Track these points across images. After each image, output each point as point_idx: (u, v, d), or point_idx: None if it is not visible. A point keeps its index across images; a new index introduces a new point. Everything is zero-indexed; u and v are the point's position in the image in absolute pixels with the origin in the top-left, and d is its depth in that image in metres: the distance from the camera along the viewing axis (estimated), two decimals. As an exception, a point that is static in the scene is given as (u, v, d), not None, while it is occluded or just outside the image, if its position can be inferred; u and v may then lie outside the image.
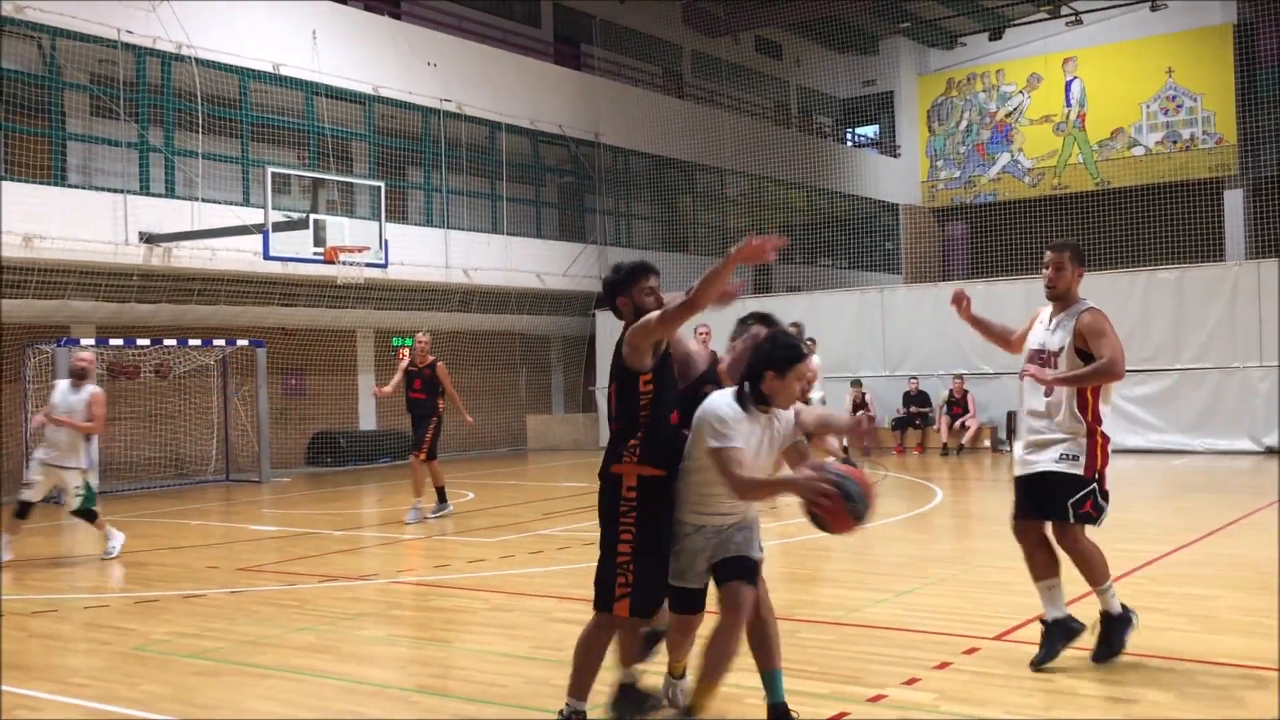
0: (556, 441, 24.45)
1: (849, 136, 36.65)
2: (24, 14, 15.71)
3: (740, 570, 4.59)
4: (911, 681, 5.52)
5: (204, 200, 17.53)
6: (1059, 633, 5.78)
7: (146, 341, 17.27)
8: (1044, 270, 6.00)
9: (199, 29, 17.66)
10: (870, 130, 36.62)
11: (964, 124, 33.89)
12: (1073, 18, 31.31)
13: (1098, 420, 5.77)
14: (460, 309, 22.39)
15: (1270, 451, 17.25)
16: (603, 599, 4.66)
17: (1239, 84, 28.67)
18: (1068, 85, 32.09)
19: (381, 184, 18.12)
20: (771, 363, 4.57)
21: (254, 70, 18.52)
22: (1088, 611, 6.27)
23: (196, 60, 17.56)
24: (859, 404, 20.46)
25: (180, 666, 6.27)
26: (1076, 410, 5.75)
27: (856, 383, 20.80)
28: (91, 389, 10.33)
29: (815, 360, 19.23)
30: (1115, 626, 5.77)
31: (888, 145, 35.42)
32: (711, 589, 4.75)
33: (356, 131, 20.48)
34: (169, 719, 5.31)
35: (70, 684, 6.00)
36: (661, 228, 27.68)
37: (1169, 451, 17.94)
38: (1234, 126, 29.04)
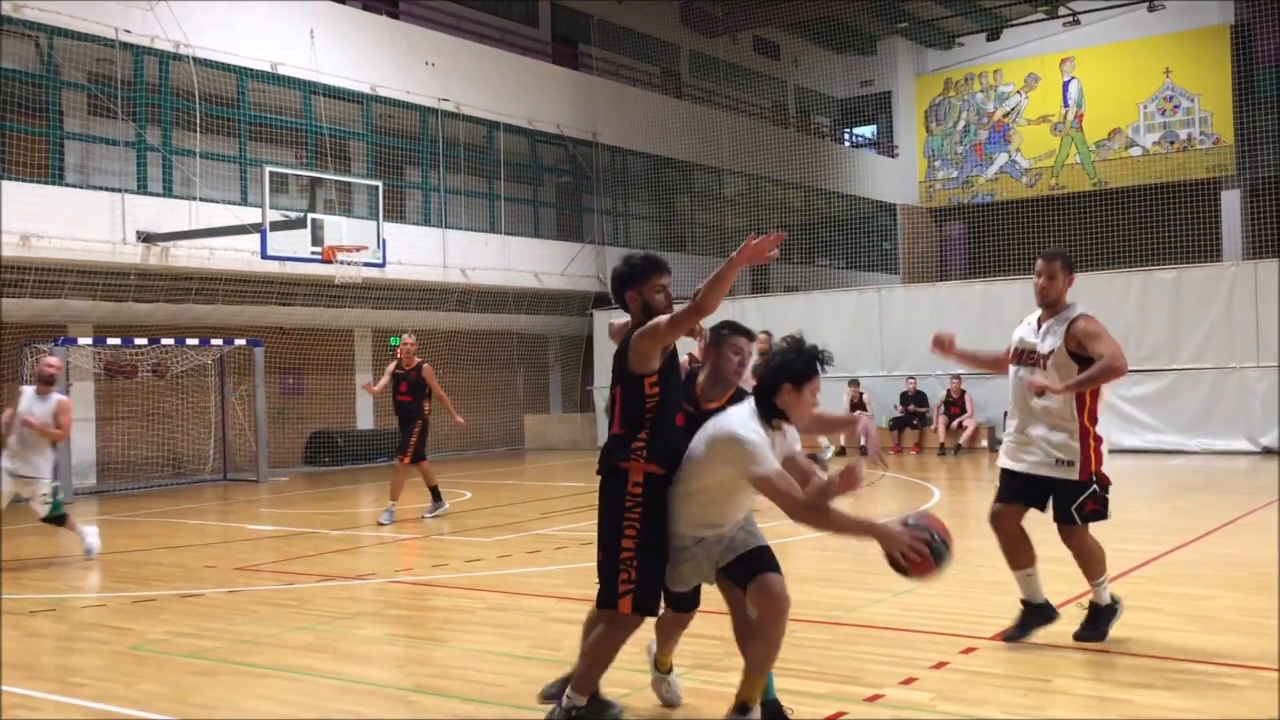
0: (554, 441, 24.45)
1: (847, 136, 36.66)
2: (21, 13, 15.70)
3: (760, 564, 4.56)
4: (909, 681, 5.53)
5: (202, 199, 17.52)
6: (1036, 615, 6.17)
7: (144, 341, 17.26)
8: (1036, 279, 6.17)
9: (196, 28, 17.66)
10: (868, 130, 36.64)
11: (961, 124, 33.90)
12: (1070, 18, 31.34)
13: (1093, 420, 5.96)
14: (458, 308, 22.39)
15: (1267, 451, 17.27)
16: (606, 595, 4.64)
17: (1236, 84, 28.70)
18: (1065, 85, 32.11)
19: (379, 183, 18.11)
20: (790, 374, 4.45)
21: (252, 69, 18.51)
22: (1084, 610, 6.33)
23: (194, 59, 17.55)
24: (856, 404, 20.49)
25: (178, 666, 6.27)
26: (1074, 411, 5.92)
27: (854, 382, 20.82)
28: (59, 397, 10.21)
29: None
30: (1103, 614, 6.15)
31: (885, 145, 35.43)
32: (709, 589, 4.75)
33: (354, 131, 20.48)
34: (166, 718, 5.31)
35: (68, 683, 6.00)
36: (659, 227, 27.68)
37: (1166, 452, 17.95)
38: (1231, 127, 29.07)
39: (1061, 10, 31.29)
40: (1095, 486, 5.96)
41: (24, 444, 10.01)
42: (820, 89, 34.86)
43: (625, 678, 5.33)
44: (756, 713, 4.62)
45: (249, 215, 17.12)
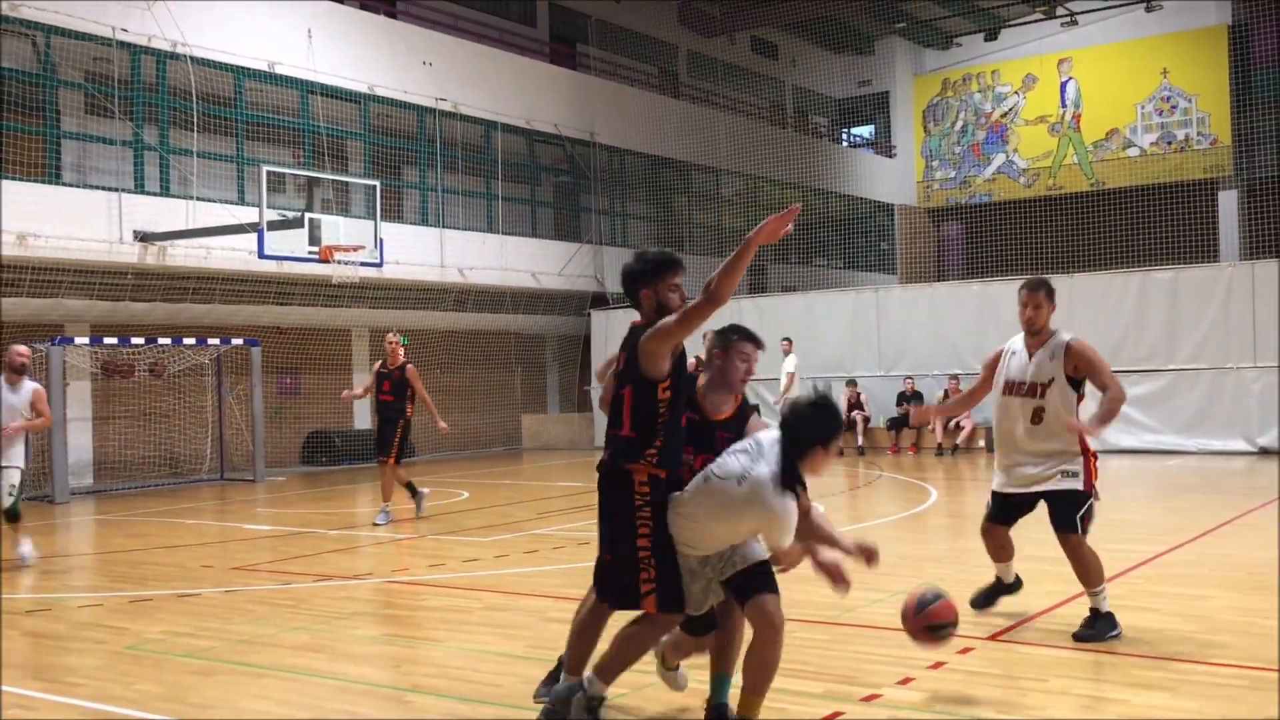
0: (552, 441, 24.45)
1: (844, 137, 36.68)
2: (19, 11, 15.68)
3: (758, 583, 4.53)
4: (906, 681, 5.53)
5: (199, 199, 17.51)
6: (1001, 589, 6.80)
7: (141, 340, 17.24)
8: (1021, 309, 6.41)
9: (194, 27, 17.64)
10: (866, 130, 36.65)
11: (959, 124, 33.92)
12: (1068, 19, 31.35)
13: (1087, 447, 6.28)
14: (455, 308, 22.38)
15: (1264, 452, 17.28)
16: (625, 597, 4.54)
17: (1234, 85, 28.73)
18: (1063, 86, 32.13)
19: (377, 183, 18.11)
20: (823, 435, 4.36)
21: (249, 69, 18.50)
22: (1079, 610, 6.33)
23: (192, 59, 17.54)
24: (854, 404, 20.50)
25: (175, 665, 6.26)
26: (1078, 440, 6.22)
27: (851, 383, 20.83)
28: (32, 385, 10.10)
29: (790, 362, 19.35)
30: (1102, 620, 6.21)
31: (883, 145, 35.44)
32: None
33: (352, 130, 20.47)
34: (163, 718, 5.30)
35: (65, 683, 5.99)
36: (657, 227, 27.68)
37: (1163, 452, 17.96)
38: (1229, 127, 29.10)
39: (1059, 11, 31.31)
40: (1093, 499, 6.29)
41: None
42: (818, 89, 34.87)
43: (625, 677, 5.31)
44: None
45: (246, 215, 17.11)
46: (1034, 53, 32.52)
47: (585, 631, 4.84)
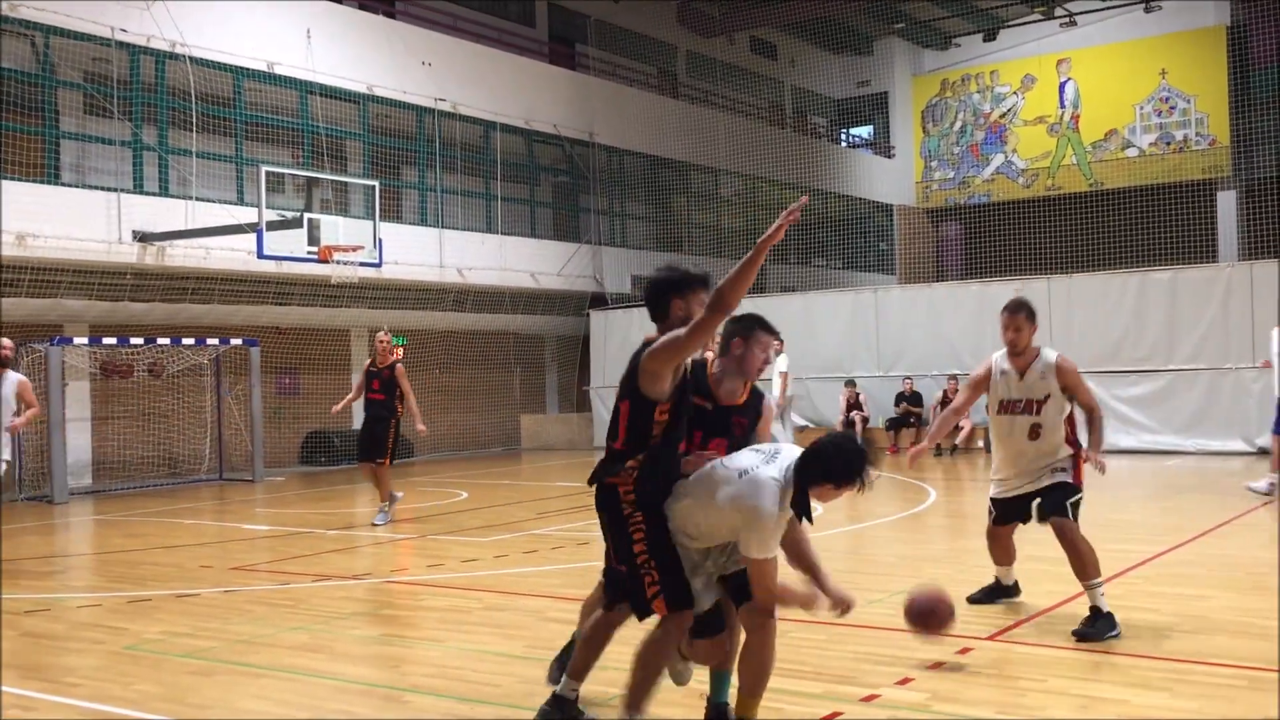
0: (551, 441, 24.45)
1: (843, 137, 36.68)
2: (18, 12, 15.68)
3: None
4: (905, 681, 5.53)
5: (198, 199, 17.51)
6: (1000, 590, 7.11)
7: (140, 340, 17.24)
8: (1004, 331, 6.71)
9: (193, 28, 17.64)
10: (865, 131, 36.65)
11: (958, 125, 33.93)
12: (1067, 19, 31.36)
13: (1076, 443, 6.67)
14: (455, 308, 22.38)
15: (1263, 452, 17.26)
16: (639, 606, 4.52)
17: (1232, 86, 28.75)
18: (1062, 86, 32.14)
19: (376, 183, 18.11)
20: (839, 477, 4.28)
21: (248, 69, 18.49)
22: (1079, 610, 6.34)
23: (191, 59, 17.54)
24: (852, 404, 20.51)
25: (173, 666, 6.26)
26: (1066, 442, 6.64)
27: (850, 383, 20.84)
28: (16, 376, 10.01)
29: (782, 362, 19.37)
30: (1101, 619, 6.29)
31: (882, 146, 35.45)
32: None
33: (351, 131, 20.47)
34: (162, 718, 5.30)
35: (63, 683, 5.98)
36: (656, 228, 27.68)
37: (1162, 452, 17.97)
38: (1227, 128, 29.11)
39: (1058, 11, 31.32)
40: (1081, 493, 6.61)
41: None
42: (817, 89, 34.88)
43: (624, 678, 5.31)
44: None
45: (245, 215, 17.10)
46: (1033, 53, 32.53)
47: (592, 640, 4.84)
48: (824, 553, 9.50)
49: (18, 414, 9.88)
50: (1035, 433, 6.60)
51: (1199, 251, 25.59)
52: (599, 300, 24.44)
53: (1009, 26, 32.62)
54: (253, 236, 16.30)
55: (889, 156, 35.04)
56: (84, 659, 6.54)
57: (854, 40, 33.35)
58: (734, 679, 4.72)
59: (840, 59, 34.34)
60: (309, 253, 16.48)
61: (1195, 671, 5.61)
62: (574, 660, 4.85)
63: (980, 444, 19.90)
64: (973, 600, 7.10)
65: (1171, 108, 30.25)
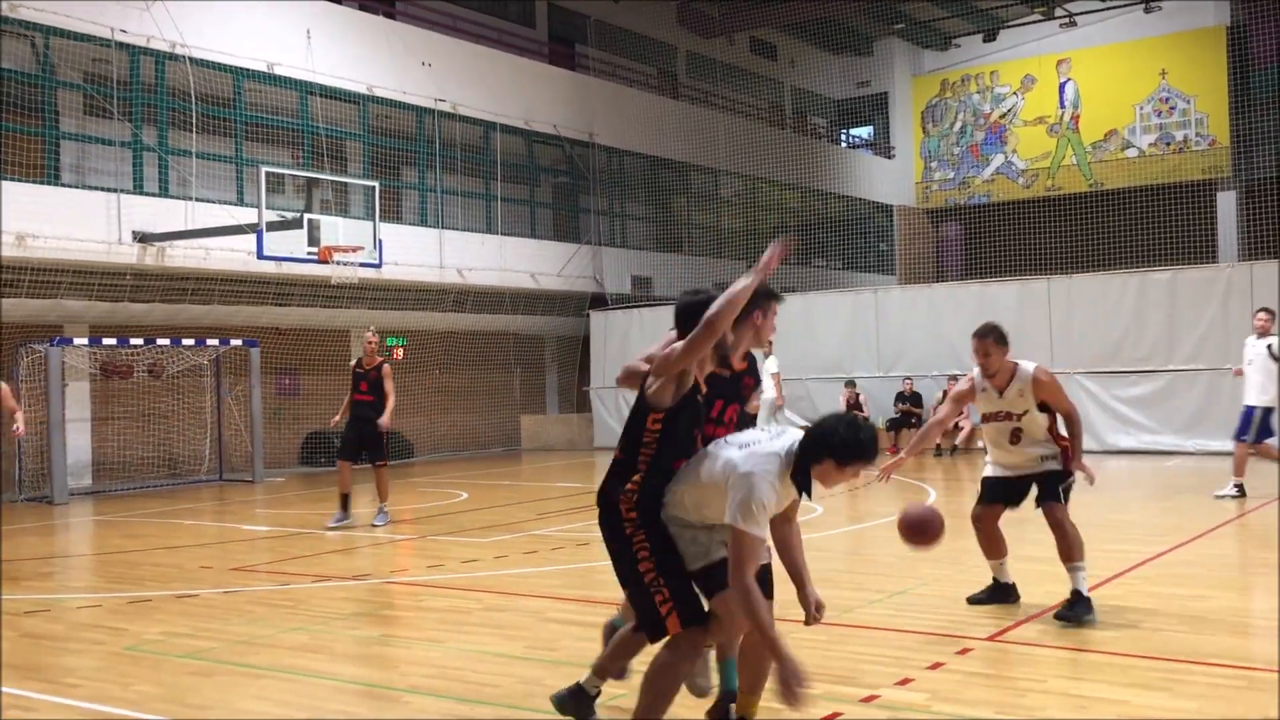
0: (551, 442, 24.45)
1: (843, 137, 36.68)
2: (18, 12, 15.68)
3: (759, 574, 4.41)
4: (904, 682, 5.53)
5: (198, 200, 17.51)
6: (1001, 592, 7.17)
7: (140, 341, 17.24)
8: (975, 355, 6.99)
9: (193, 28, 17.64)
10: (864, 131, 36.65)
11: (958, 125, 33.94)
12: (1067, 19, 31.37)
13: (1060, 438, 6.99)
14: (454, 309, 22.38)
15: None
16: (652, 627, 4.43)
17: (1232, 86, 28.75)
18: (1061, 87, 32.15)
19: (376, 184, 18.11)
20: (840, 452, 4.18)
21: (248, 70, 18.50)
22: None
23: (190, 59, 17.54)
24: (852, 404, 20.50)
25: (173, 666, 6.26)
26: (1051, 439, 7.00)
27: (850, 383, 20.84)
28: None
29: (772, 363, 19.38)
30: (1080, 602, 6.60)
31: (882, 146, 35.46)
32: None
33: (351, 131, 20.47)
34: (162, 719, 5.30)
35: (63, 684, 5.98)
36: (656, 228, 27.69)
37: (1161, 452, 17.96)
38: (1227, 128, 29.12)
39: (1058, 12, 31.33)
40: (1071, 477, 6.93)
41: None
42: (817, 90, 34.88)
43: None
44: None
45: (245, 215, 17.11)
46: (1033, 53, 32.54)
47: (622, 645, 4.82)
48: (824, 553, 9.54)
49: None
50: (1015, 437, 6.99)
51: (1199, 252, 25.59)
52: (599, 301, 24.44)
53: (1009, 27, 32.63)
54: (253, 237, 16.31)
55: (889, 157, 35.05)
56: (84, 659, 6.54)
57: (854, 41, 33.36)
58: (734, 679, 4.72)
59: (840, 59, 34.36)
60: (309, 253, 16.48)
61: (1194, 671, 5.61)
62: (600, 659, 4.86)
63: (980, 444, 19.90)
64: (973, 601, 7.17)
65: (1171, 108, 30.26)
